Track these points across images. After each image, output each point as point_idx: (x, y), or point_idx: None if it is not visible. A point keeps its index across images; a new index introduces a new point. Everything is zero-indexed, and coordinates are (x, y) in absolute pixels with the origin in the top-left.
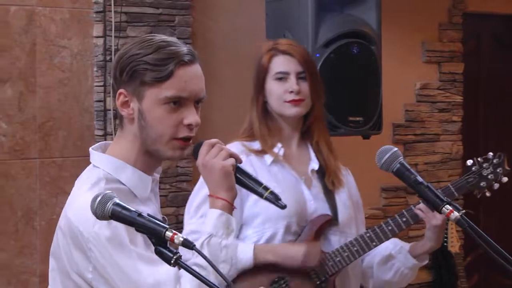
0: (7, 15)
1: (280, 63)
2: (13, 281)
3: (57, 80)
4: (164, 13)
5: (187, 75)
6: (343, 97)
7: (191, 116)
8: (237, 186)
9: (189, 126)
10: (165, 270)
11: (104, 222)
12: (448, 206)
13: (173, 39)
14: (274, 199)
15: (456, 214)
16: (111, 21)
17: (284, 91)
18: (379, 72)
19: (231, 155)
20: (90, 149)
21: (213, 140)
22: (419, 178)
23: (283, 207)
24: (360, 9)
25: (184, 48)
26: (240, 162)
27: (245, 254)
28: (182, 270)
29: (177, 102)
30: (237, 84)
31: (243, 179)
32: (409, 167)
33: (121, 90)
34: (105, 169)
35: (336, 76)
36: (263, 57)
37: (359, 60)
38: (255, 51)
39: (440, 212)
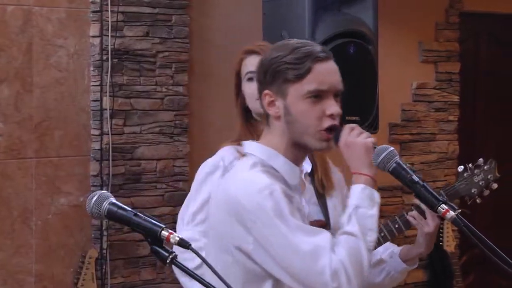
0: (4, 15)
1: (249, 64)
2: (9, 281)
3: (53, 79)
4: (161, 13)
5: (324, 70)
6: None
7: (333, 107)
8: None
9: (332, 116)
10: (322, 238)
11: (266, 193)
12: (444, 206)
13: (307, 41)
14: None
15: (452, 213)
16: (108, 21)
17: (255, 90)
18: (375, 71)
19: (370, 136)
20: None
21: (353, 125)
22: (415, 178)
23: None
24: (357, 9)
25: (318, 47)
26: (376, 144)
27: None
28: (340, 237)
29: (318, 96)
30: (234, 84)
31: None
32: (405, 166)
33: (266, 91)
34: (260, 156)
35: None
36: (237, 61)
37: (356, 59)
38: None
39: (436, 211)
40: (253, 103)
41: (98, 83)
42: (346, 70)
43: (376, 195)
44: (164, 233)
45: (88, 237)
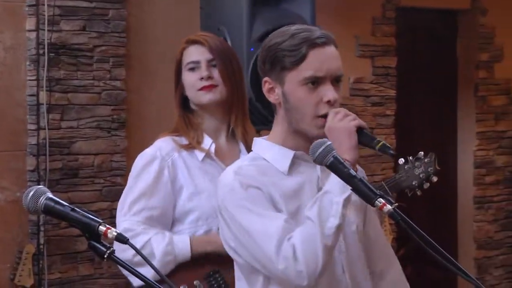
0: None
1: (190, 53)
2: None
3: None
4: (98, 7)
5: (321, 56)
6: None
7: (330, 93)
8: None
9: (329, 103)
10: (276, 223)
11: (227, 189)
12: (381, 199)
13: (309, 26)
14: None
15: (388, 207)
16: (44, 15)
17: (196, 80)
18: None
19: (355, 118)
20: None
21: (338, 109)
22: (353, 172)
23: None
24: (295, 4)
25: (317, 32)
26: (365, 127)
27: (182, 247)
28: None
29: (315, 82)
30: (171, 78)
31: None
32: (342, 160)
33: (265, 79)
34: (256, 151)
35: None
36: (179, 50)
37: None
38: None
39: (373, 205)
40: (192, 93)
41: (34, 77)
42: None
43: None
44: (102, 228)
45: (25, 233)
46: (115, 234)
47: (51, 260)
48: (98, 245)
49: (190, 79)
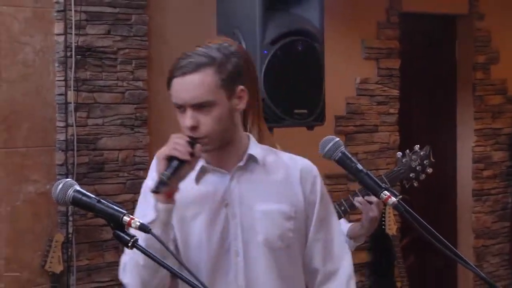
0: None
1: None
2: None
3: (20, 75)
4: (122, 12)
5: (177, 86)
6: (288, 91)
7: (186, 120)
8: None
9: (188, 128)
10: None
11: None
12: (386, 192)
13: (197, 50)
14: None
15: (393, 199)
16: (72, 20)
17: None
18: (322, 67)
19: (175, 145)
20: None
21: (174, 135)
22: (359, 166)
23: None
24: (305, 9)
25: (182, 62)
26: (181, 156)
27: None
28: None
29: (180, 107)
30: None
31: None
32: (350, 155)
33: None
34: None
35: (282, 72)
36: None
37: (303, 56)
38: None
39: (378, 197)
40: None
41: (62, 78)
42: (294, 66)
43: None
44: (126, 218)
45: (55, 223)
46: (139, 224)
47: (79, 248)
48: (122, 234)
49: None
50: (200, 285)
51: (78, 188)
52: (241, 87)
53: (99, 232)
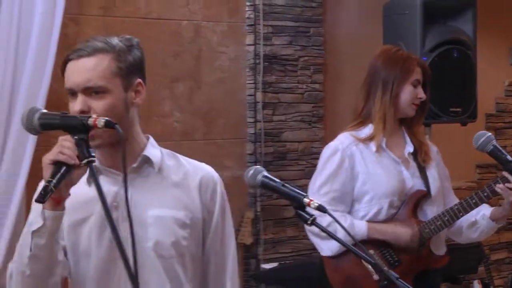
0: (179, 28)
1: (417, 72)
2: None
3: (218, 79)
4: (302, 26)
5: (71, 68)
6: (445, 92)
7: (75, 106)
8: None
9: (77, 113)
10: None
11: None
12: None
13: (97, 37)
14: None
15: None
16: (260, 32)
17: (414, 97)
18: (474, 71)
19: (62, 148)
20: None
21: (61, 137)
22: (509, 158)
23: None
24: (460, 21)
25: (81, 45)
26: (68, 161)
27: (360, 230)
28: None
29: (72, 93)
30: (358, 83)
31: None
32: (501, 148)
33: None
34: None
35: (439, 75)
36: (408, 67)
37: (458, 62)
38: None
39: None
40: (406, 104)
41: (252, 81)
42: (450, 70)
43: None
44: (306, 200)
45: (245, 202)
46: (317, 205)
47: (265, 224)
48: (303, 213)
49: (412, 96)
50: None
51: (266, 173)
52: (139, 80)
53: (282, 211)
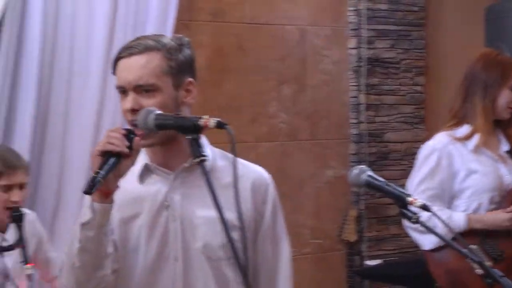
0: (284, 32)
1: None
2: (290, 233)
3: (321, 81)
4: (403, 29)
5: (122, 66)
6: None
7: (126, 103)
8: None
9: (130, 111)
10: None
11: None
12: None
13: (148, 35)
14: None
15: None
16: (363, 36)
17: (510, 101)
18: None
19: (110, 139)
20: None
21: (109, 129)
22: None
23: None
24: None
25: (132, 43)
26: (116, 149)
27: (458, 221)
28: None
29: (122, 91)
30: (458, 85)
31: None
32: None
33: None
34: None
35: None
36: (505, 69)
37: None
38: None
39: None
40: (502, 107)
41: (355, 84)
42: None
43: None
44: (409, 198)
45: (349, 201)
46: (420, 203)
47: (369, 221)
48: (406, 211)
49: (508, 100)
50: None
51: (370, 173)
52: (190, 79)
53: (385, 209)
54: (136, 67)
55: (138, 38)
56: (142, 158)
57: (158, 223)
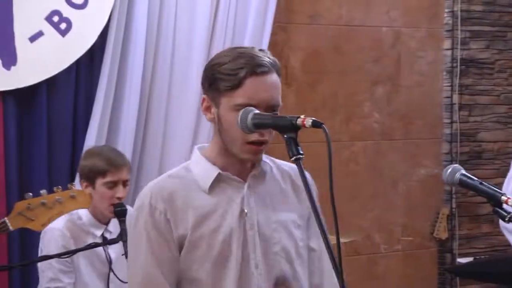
0: (380, 34)
1: None
2: (382, 230)
3: (416, 82)
4: (499, 30)
5: (257, 85)
6: None
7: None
8: None
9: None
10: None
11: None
12: None
13: (255, 50)
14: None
15: None
16: (458, 37)
17: None
18: None
19: None
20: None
21: None
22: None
23: None
24: None
25: (258, 60)
26: None
27: None
28: None
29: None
30: None
31: None
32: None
33: (204, 96)
34: (191, 161)
35: None
36: None
37: None
38: None
39: None
40: None
41: (449, 84)
42: None
43: None
44: (504, 198)
45: (441, 199)
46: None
47: (461, 220)
48: (500, 210)
49: None
50: None
51: (464, 172)
52: None
53: (477, 208)
54: (272, 86)
55: (256, 53)
56: (206, 168)
57: (238, 232)
